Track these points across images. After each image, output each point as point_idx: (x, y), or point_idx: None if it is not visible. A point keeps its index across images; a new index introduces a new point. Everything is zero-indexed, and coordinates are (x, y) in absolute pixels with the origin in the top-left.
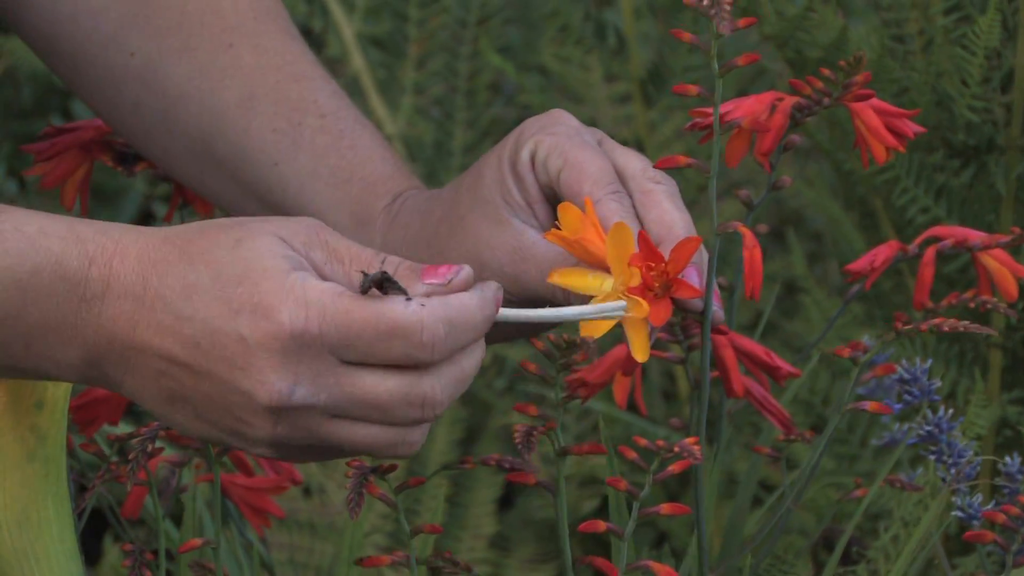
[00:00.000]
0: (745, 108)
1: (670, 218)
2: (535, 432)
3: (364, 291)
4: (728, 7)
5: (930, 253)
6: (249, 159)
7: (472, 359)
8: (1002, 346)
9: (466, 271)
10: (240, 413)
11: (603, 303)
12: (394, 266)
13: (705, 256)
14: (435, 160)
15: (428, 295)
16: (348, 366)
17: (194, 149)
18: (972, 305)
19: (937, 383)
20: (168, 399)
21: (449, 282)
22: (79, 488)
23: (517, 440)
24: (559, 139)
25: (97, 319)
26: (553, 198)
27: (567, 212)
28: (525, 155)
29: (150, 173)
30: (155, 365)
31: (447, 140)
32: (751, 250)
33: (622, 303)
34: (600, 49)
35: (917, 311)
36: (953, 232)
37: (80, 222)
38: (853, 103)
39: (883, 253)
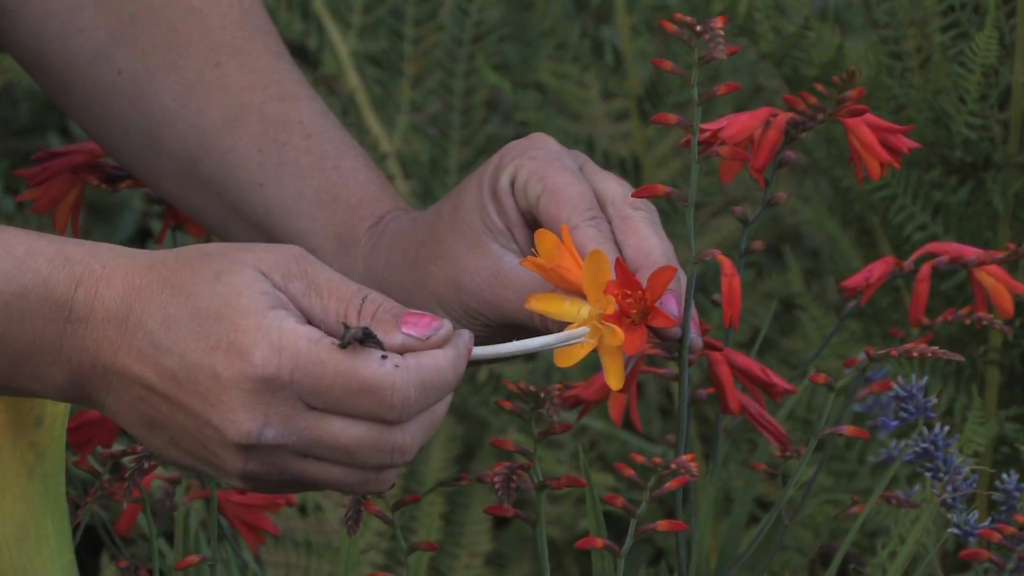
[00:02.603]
0: (740, 124)
1: (648, 245)
2: (514, 477)
3: (343, 346)
4: (721, 32)
5: (925, 269)
6: (234, 179)
7: (442, 405)
8: (999, 363)
9: (446, 328)
10: (212, 447)
11: (566, 332)
12: (375, 306)
13: (683, 283)
14: (431, 178)
15: (404, 347)
16: (317, 411)
17: (180, 168)
18: (968, 322)
19: (933, 400)
20: (147, 424)
21: (427, 339)
22: (73, 506)
23: (497, 486)
24: (539, 164)
25: (81, 341)
26: (533, 223)
27: (543, 239)
28: (505, 180)
29: (146, 192)
30: (135, 391)
31: (443, 158)
32: (729, 278)
33: (584, 329)
34: (597, 66)
35: (913, 328)
36: (949, 248)
37: (70, 242)
38: (847, 119)
39: (878, 269)
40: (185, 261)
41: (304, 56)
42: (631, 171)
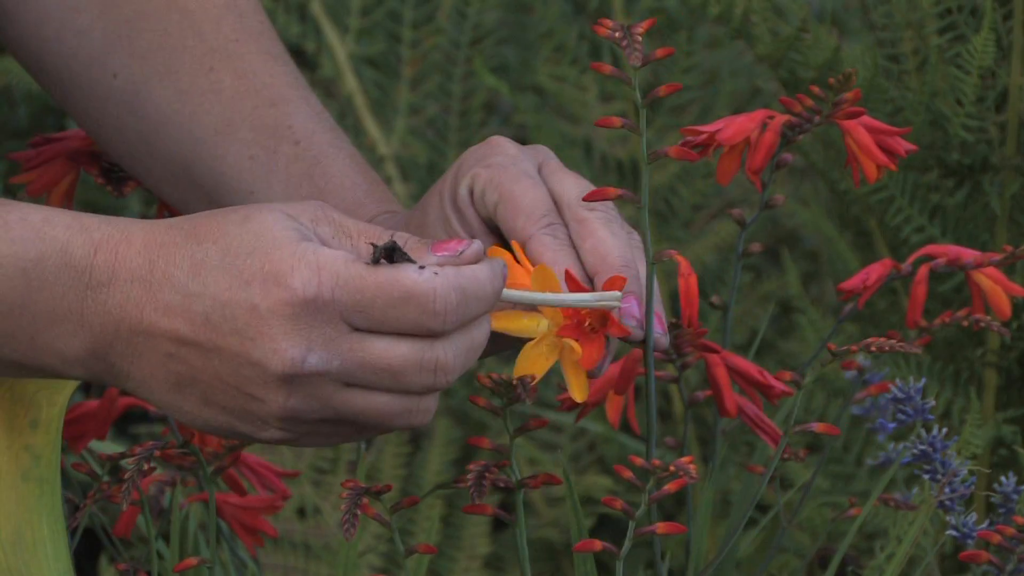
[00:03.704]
0: (736, 127)
1: (604, 247)
2: (487, 475)
3: (375, 261)
4: (639, 39)
5: (923, 271)
6: (226, 185)
7: (482, 329)
8: (997, 365)
9: (476, 245)
10: (251, 388)
11: (600, 293)
12: (403, 240)
13: (643, 285)
14: (428, 181)
15: (440, 265)
16: (360, 332)
17: (175, 172)
18: (965, 324)
19: (931, 402)
20: (176, 385)
21: (460, 254)
22: (71, 508)
23: (470, 483)
24: (494, 172)
25: (104, 306)
26: (498, 230)
27: (496, 257)
28: (463, 191)
29: (145, 192)
30: (163, 348)
31: (441, 160)
32: (687, 278)
33: (616, 294)
34: None
35: (911, 330)
36: (946, 251)
37: (85, 214)
38: (844, 121)
39: (876, 271)
40: (208, 216)
41: (302, 59)
42: (629, 174)
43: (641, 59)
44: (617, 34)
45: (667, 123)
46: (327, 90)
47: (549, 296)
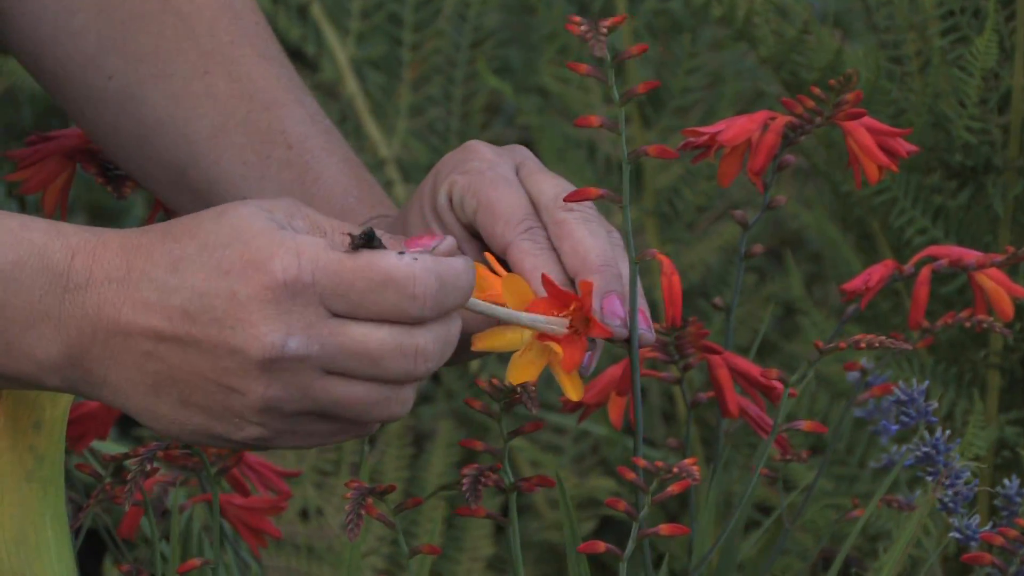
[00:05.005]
0: (737, 127)
1: (583, 247)
2: (482, 480)
3: (355, 248)
4: (604, 33)
5: (925, 273)
6: (220, 191)
7: (456, 324)
8: (1000, 367)
9: (449, 240)
10: (230, 380)
11: (550, 317)
12: (377, 235)
13: (625, 283)
14: None
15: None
16: (339, 318)
17: (171, 175)
18: (968, 325)
19: (934, 404)
20: (153, 387)
21: (434, 249)
22: (75, 509)
23: (465, 488)
24: (472, 178)
25: (81, 309)
26: (479, 235)
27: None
28: (442, 198)
29: (148, 194)
30: (141, 347)
31: None
32: (669, 277)
33: (564, 320)
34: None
35: (913, 331)
36: (949, 252)
37: (62, 222)
38: (845, 122)
39: (878, 272)
40: (183, 217)
41: (303, 61)
42: (632, 175)
43: (604, 50)
44: (583, 28)
45: (671, 124)
46: (328, 93)
47: (512, 313)
